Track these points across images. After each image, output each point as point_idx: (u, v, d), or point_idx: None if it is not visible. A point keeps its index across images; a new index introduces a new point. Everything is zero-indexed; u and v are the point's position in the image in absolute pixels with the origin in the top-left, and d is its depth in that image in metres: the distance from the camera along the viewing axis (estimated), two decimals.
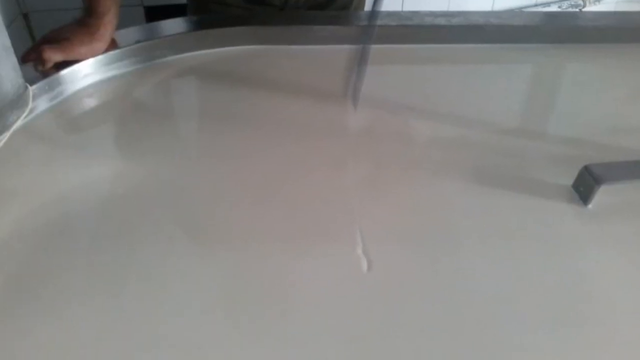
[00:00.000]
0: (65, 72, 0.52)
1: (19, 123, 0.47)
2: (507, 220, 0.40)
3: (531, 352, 0.31)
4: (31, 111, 0.49)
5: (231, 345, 0.31)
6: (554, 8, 1.30)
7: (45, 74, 0.51)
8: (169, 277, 0.34)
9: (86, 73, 0.53)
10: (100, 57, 0.54)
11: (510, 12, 0.62)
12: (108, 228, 0.38)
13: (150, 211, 0.40)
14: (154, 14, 0.68)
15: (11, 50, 0.46)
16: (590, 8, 1.36)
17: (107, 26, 0.53)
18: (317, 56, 0.59)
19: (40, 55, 0.50)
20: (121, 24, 0.55)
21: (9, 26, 0.45)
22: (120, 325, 0.31)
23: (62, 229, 0.38)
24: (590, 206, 0.41)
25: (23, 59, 0.51)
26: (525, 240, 0.38)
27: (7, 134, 0.45)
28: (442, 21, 0.61)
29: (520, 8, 1.20)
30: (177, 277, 0.34)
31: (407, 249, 0.37)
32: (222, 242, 0.38)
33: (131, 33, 0.58)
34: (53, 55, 0.51)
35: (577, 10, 1.33)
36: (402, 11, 0.62)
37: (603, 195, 0.40)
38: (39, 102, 0.50)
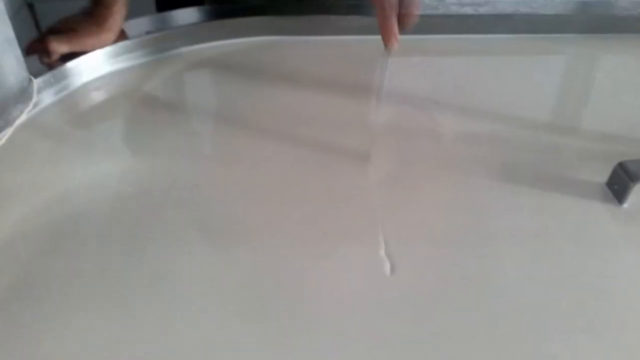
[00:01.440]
0: (71, 64, 0.51)
1: (22, 118, 0.46)
2: (537, 220, 0.38)
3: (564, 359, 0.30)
4: (35, 105, 0.47)
5: (248, 353, 0.29)
6: None
7: (50, 66, 0.50)
8: (182, 282, 0.33)
9: (94, 65, 0.52)
10: (108, 48, 0.53)
11: (541, 1, 0.60)
12: (117, 229, 0.37)
13: (162, 211, 0.38)
14: (165, 3, 0.67)
15: (15, 41, 0.45)
16: None
17: (116, 16, 0.52)
18: (338, 48, 0.58)
19: (45, 47, 0.49)
20: (131, 14, 0.54)
21: (13, 17, 0.44)
22: (131, 334, 0.30)
23: (68, 231, 0.37)
24: (625, 205, 0.39)
25: (27, 51, 0.49)
26: (557, 241, 0.37)
27: (10, 129, 0.44)
28: (469, 10, 0.59)
29: None
30: (191, 282, 0.33)
31: (433, 251, 0.36)
32: (238, 244, 0.36)
33: (141, 23, 0.56)
34: (59, 47, 0.49)
35: None
36: None
37: (639, 193, 0.38)
38: (44, 96, 0.49)
